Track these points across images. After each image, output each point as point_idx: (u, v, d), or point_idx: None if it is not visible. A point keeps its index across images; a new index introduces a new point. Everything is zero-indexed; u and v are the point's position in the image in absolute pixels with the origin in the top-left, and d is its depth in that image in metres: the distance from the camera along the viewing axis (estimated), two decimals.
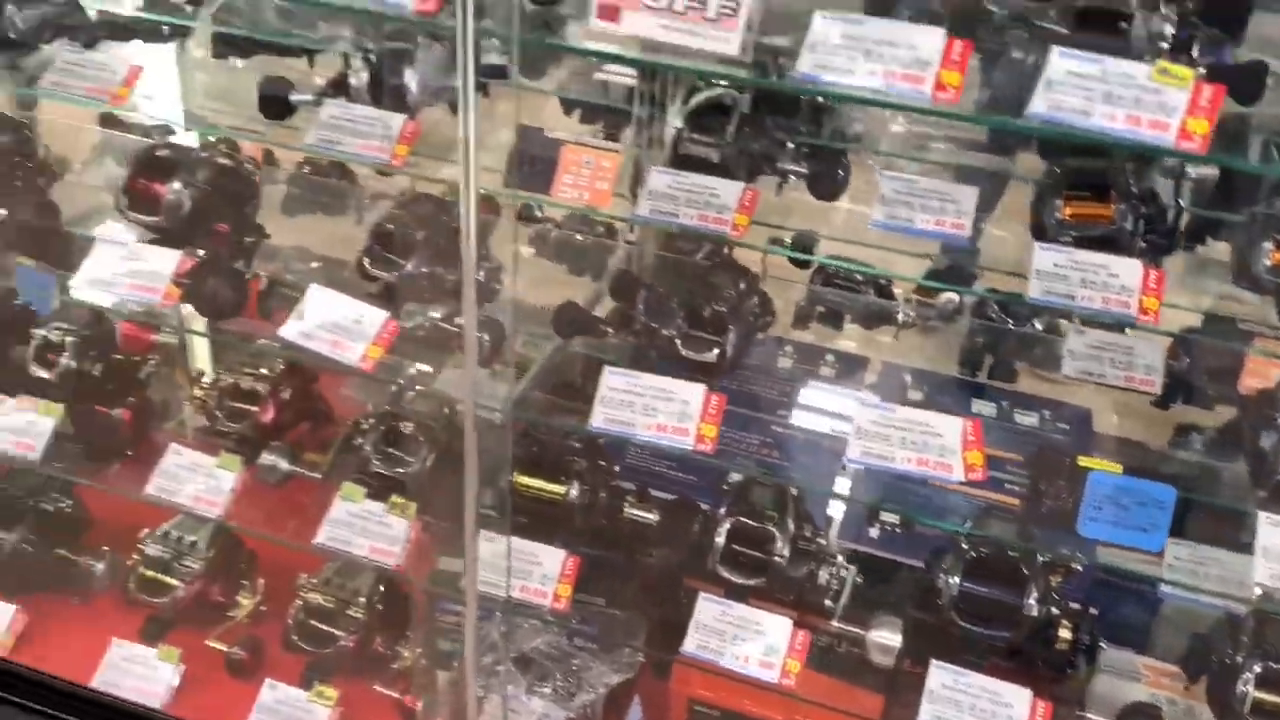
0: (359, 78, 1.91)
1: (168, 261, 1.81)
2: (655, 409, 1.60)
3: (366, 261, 1.83)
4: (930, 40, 1.28)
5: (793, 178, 1.82)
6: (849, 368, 2.38)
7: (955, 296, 2.27)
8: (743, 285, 1.74)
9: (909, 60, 1.28)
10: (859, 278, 2.32)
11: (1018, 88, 1.36)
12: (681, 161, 1.78)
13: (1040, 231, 1.68)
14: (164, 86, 2.59)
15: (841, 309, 2.38)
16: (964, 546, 1.76)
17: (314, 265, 2.63)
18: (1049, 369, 2.29)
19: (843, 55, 1.29)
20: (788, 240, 2.06)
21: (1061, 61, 1.25)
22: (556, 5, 1.48)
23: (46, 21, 2.04)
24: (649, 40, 1.37)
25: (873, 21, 1.30)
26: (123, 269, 1.83)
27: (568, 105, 2.37)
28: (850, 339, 2.43)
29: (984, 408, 2.29)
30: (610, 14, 1.36)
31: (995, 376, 2.35)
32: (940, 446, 1.54)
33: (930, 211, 1.70)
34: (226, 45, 2.49)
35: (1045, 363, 2.30)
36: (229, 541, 2.19)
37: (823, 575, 1.78)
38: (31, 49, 2.04)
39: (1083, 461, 1.56)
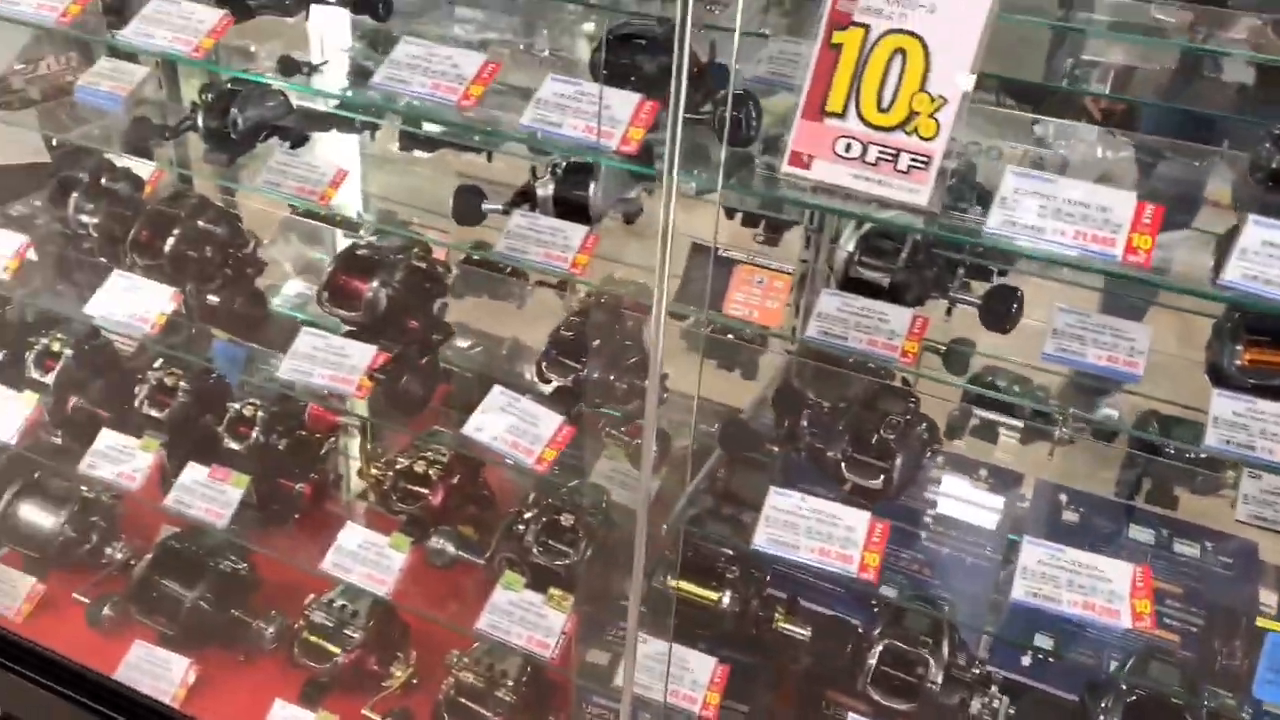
0: (545, 189, 2.02)
1: (363, 356, 1.94)
2: (819, 533, 1.64)
3: (544, 365, 1.92)
4: (1122, 203, 1.30)
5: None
6: (1003, 482, 2.36)
7: (1114, 414, 2.25)
8: (909, 409, 1.77)
9: (1100, 222, 1.30)
10: (1016, 390, 2.32)
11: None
12: (852, 284, 1.83)
13: (1217, 375, 1.66)
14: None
15: (996, 422, 2.38)
16: (1123, 686, 1.73)
17: (473, 346, 2.76)
18: (1211, 494, 2.23)
19: (1033, 214, 1.33)
20: (942, 349, 2.08)
21: (1257, 230, 1.26)
22: (750, 146, 1.55)
23: (264, 122, 2.23)
24: (837, 186, 1.42)
25: (1065, 182, 1.33)
26: (320, 358, 1.96)
27: (729, 209, 2.45)
28: (1005, 452, 2.42)
29: (1141, 534, 2.24)
30: (802, 161, 1.43)
31: (1154, 501, 2.30)
32: (1109, 592, 1.53)
33: (1103, 347, 1.70)
34: (412, 140, 2.68)
35: (1208, 489, 2.25)
36: (386, 613, 2.29)
37: (974, 704, 1.77)
38: (248, 148, 2.23)
39: (1261, 623, 1.52)
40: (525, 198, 2.08)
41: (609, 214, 2.06)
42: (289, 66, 2.18)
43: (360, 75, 2.29)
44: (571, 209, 2.00)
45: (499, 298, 2.82)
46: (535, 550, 2.05)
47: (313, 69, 2.24)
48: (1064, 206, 1.32)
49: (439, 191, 2.53)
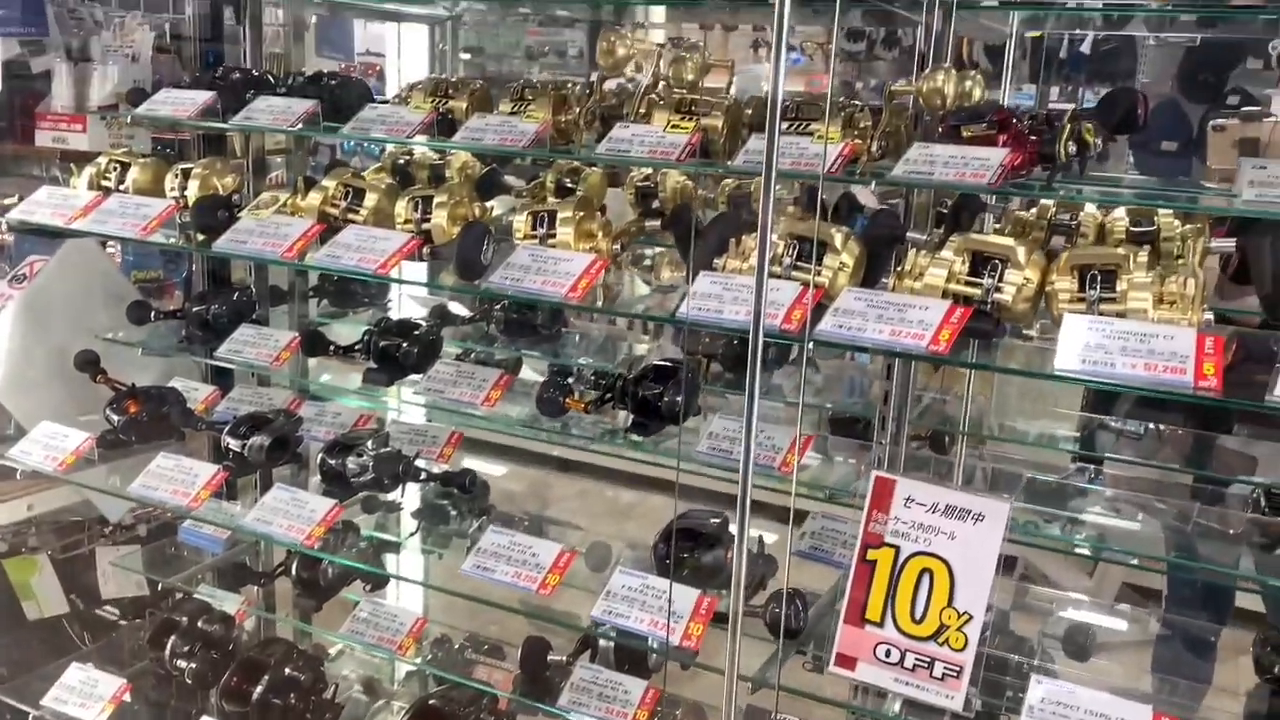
0: (607, 640, 2.19)
1: None
2: None
3: None
4: (1142, 715, 1.45)
5: None
6: None
7: None
8: None
9: None
10: None
11: None
12: None
13: None
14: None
15: None
16: None
17: None
18: None
19: None
20: None
21: None
22: (798, 638, 1.74)
23: (352, 573, 2.47)
24: (879, 688, 1.58)
25: (1084, 693, 1.49)
26: None
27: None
28: None
29: None
30: (847, 663, 1.60)
31: None
32: None
33: None
34: None
35: None
36: None
37: None
38: (335, 594, 2.45)
39: None
40: (586, 645, 2.25)
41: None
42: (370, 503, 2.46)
43: (439, 516, 2.54)
44: (632, 658, 2.16)
45: None
46: None
47: (396, 507, 2.52)
48: (1085, 719, 1.47)
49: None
